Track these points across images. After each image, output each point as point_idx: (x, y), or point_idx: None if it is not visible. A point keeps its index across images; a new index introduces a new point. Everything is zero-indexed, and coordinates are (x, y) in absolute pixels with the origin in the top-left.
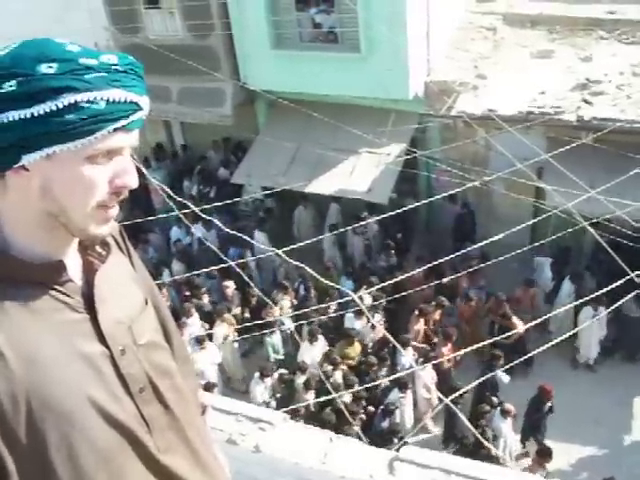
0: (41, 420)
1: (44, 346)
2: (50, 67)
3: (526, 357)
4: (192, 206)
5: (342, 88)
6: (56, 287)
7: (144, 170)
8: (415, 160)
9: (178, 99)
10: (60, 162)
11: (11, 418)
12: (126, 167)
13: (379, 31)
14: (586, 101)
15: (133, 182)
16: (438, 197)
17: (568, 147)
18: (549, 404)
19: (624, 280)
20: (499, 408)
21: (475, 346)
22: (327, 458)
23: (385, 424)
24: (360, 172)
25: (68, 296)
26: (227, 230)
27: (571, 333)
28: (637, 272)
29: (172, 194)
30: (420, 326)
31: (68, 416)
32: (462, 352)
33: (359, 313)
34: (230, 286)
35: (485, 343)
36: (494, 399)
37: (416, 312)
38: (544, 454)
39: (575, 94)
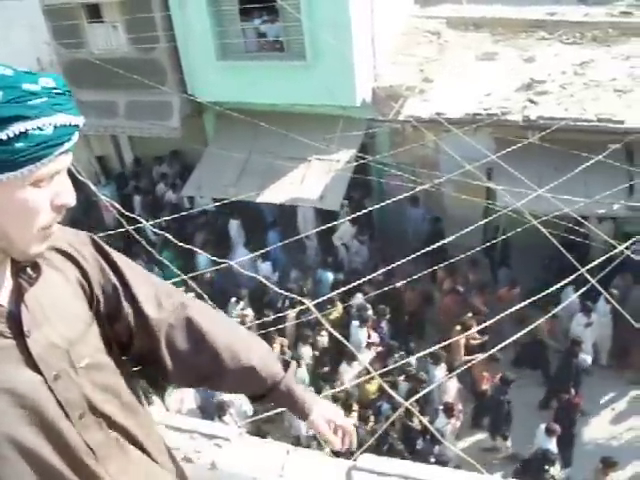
0: None
1: None
2: None
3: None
4: (143, 221)
5: (289, 96)
6: None
7: (92, 187)
8: (365, 166)
9: (125, 113)
10: (3, 189)
11: None
12: (65, 186)
13: (324, 39)
14: (531, 101)
15: (72, 200)
16: (394, 200)
17: (515, 147)
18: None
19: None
20: (544, 426)
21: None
22: (285, 471)
23: (434, 450)
24: (311, 180)
25: None
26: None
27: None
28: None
29: (123, 210)
30: (463, 340)
31: None
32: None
33: (363, 321)
34: (249, 314)
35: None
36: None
37: (458, 327)
38: (609, 464)
39: (520, 94)
